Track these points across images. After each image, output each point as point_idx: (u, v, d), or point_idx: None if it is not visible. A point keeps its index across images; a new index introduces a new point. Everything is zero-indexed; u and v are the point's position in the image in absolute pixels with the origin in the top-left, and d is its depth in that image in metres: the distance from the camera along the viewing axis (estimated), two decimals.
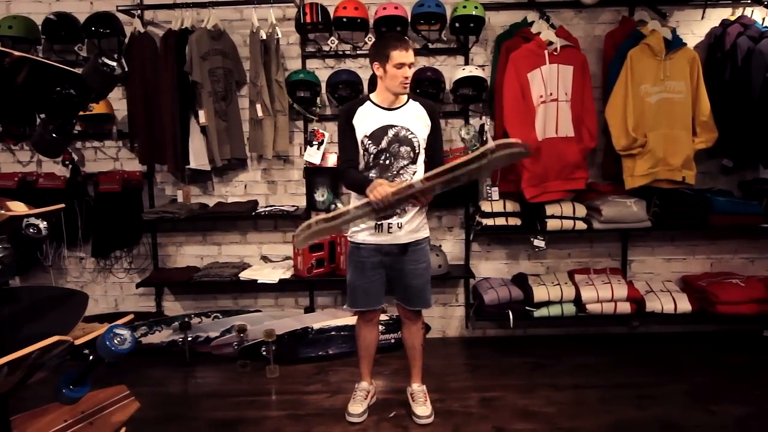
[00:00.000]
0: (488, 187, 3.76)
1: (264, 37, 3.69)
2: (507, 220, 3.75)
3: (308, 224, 2.58)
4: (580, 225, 3.69)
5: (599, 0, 3.64)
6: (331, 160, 3.82)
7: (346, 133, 2.70)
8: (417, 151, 2.68)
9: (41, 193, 3.80)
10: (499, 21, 3.87)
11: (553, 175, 3.60)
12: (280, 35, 3.76)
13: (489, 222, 3.73)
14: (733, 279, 3.76)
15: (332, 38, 3.82)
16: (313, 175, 3.90)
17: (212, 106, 3.73)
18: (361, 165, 2.70)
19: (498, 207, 3.73)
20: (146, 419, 2.68)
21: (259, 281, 3.76)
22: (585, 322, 3.93)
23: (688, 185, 3.64)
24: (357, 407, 2.89)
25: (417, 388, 2.96)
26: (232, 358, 3.62)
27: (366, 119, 2.66)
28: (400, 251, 2.72)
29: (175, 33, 3.70)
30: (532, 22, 3.65)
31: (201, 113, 3.70)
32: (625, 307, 3.68)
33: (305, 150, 3.87)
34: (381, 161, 2.65)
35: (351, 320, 3.59)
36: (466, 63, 3.86)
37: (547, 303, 3.71)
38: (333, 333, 3.71)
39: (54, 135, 1.86)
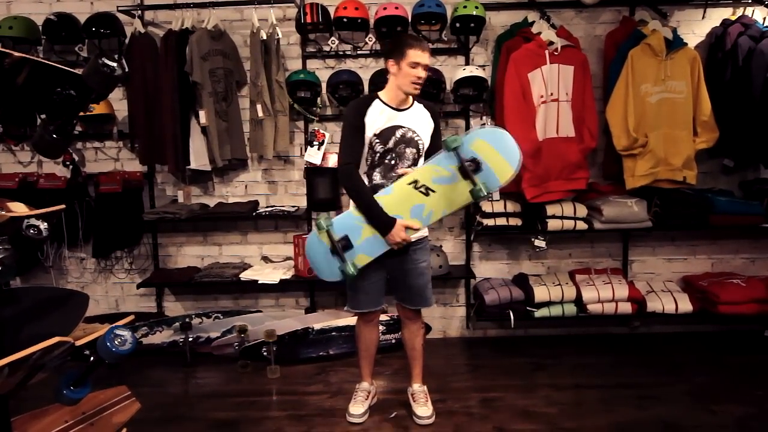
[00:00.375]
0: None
1: (264, 38, 3.69)
2: (508, 221, 3.74)
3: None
4: (581, 225, 3.69)
5: (600, 0, 3.64)
6: (332, 161, 3.82)
7: (356, 130, 2.63)
8: (420, 154, 2.69)
9: (42, 194, 3.81)
10: (499, 21, 3.87)
11: (554, 175, 3.60)
12: (280, 35, 3.76)
13: (490, 222, 3.72)
14: (734, 279, 3.76)
15: (333, 38, 3.82)
16: (314, 175, 3.90)
17: (213, 106, 3.73)
18: (365, 165, 2.69)
19: (499, 207, 3.73)
20: (147, 420, 2.68)
21: (259, 282, 3.76)
22: (586, 322, 3.92)
23: (689, 185, 3.64)
24: (358, 408, 2.89)
25: (418, 388, 2.95)
26: (232, 358, 3.62)
27: (377, 117, 2.64)
28: (402, 251, 2.72)
29: (176, 33, 3.70)
30: (533, 22, 3.65)
31: (201, 113, 3.70)
32: (626, 308, 3.68)
33: (306, 150, 3.87)
34: (386, 161, 2.66)
35: (351, 321, 3.59)
36: (467, 63, 3.86)
37: (548, 303, 3.71)
38: (334, 333, 3.71)
39: (54, 135, 1.86)
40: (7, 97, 1.83)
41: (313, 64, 3.93)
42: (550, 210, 3.65)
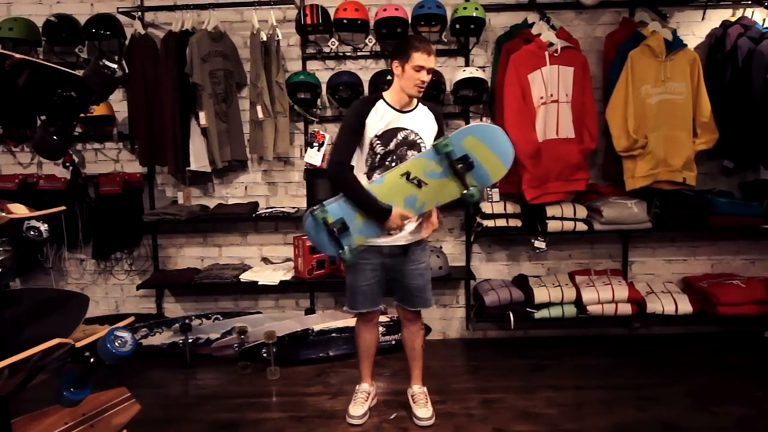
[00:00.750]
0: (488, 189, 3.76)
1: (264, 39, 3.69)
2: (507, 222, 3.75)
3: None
4: (581, 226, 3.69)
5: (600, 1, 3.65)
6: None
7: (354, 131, 2.63)
8: None
9: (42, 195, 3.80)
10: (499, 22, 3.87)
11: (554, 177, 3.60)
12: (280, 37, 3.76)
13: (489, 223, 3.73)
14: (734, 280, 3.76)
15: (333, 40, 3.82)
16: (314, 176, 3.90)
17: (213, 107, 3.73)
18: (365, 166, 2.69)
19: (498, 208, 3.73)
20: (147, 421, 2.68)
21: (259, 283, 3.76)
22: (586, 323, 3.92)
23: (688, 186, 3.64)
24: (358, 409, 2.89)
25: (418, 389, 2.95)
26: (232, 359, 3.62)
27: (379, 119, 2.63)
28: (401, 252, 2.72)
29: (176, 35, 3.70)
30: (533, 23, 3.65)
31: (201, 115, 3.70)
32: (625, 309, 3.68)
33: (306, 151, 3.87)
34: (387, 163, 2.65)
35: (351, 322, 3.58)
36: (467, 64, 3.86)
37: (548, 304, 3.71)
38: (333, 334, 3.71)
39: (55, 137, 1.87)
40: (7, 99, 1.83)
41: (313, 66, 3.93)
42: (550, 211, 3.65)
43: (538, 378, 3.36)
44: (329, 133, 3.84)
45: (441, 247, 3.97)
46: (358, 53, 3.87)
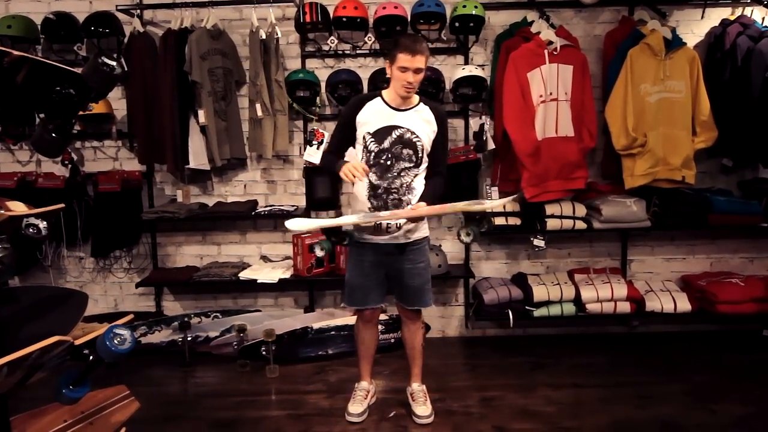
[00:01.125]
0: (488, 187, 3.77)
1: (263, 37, 3.69)
2: (507, 220, 3.75)
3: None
4: (580, 225, 3.69)
5: (599, 0, 3.64)
6: None
7: (344, 126, 2.72)
8: (420, 155, 2.65)
9: (41, 193, 3.80)
10: (498, 20, 3.87)
11: (553, 175, 3.60)
12: (279, 35, 3.76)
13: None
14: (732, 278, 3.77)
15: (332, 38, 3.81)
16: (313, 174, 3.89)
17: (212, 105, 3.72)
18: (361, 161, 2.69)
19: (498, 207, 3.73)
20: (146, 419, 2.67)
21: (258, 281, 3.76)
22: (585, 321, 3.93)
23: (687, 185, 3.64)
24: (357, 407, 2.89)
25: (417, 387, 2.95)
26: (231, 357, 3.62)
27: (373, 116, 2.64)
28: (399, 251, 2.72)
29: (175, 32, 3.69)
30: (532, 21, 3.65)
31: (200, 113, 3.69)
32: (624, 307, 3.68)
33: (305, 150, 3.86)
34: (382, 161, 2.64)
35: (351, 320, 3.59)
36: (466, 62, 3.85)
37: (547, 303, 3.71)
38: (333, 333, 3.71)
39: (53, 135, 1.86)
40: (6, 96, 1.83)
41: (312, 64, 3.93)
42: (549, 209, 3.65)
43: (537, 376, 3.36)
44: (328, 131, 3.83)
45: (440, 246, 3.97)
46: (358, 51, 3.87)
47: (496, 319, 3.80)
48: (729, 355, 3.61)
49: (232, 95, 3.87)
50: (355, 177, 2.54)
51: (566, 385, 3.22)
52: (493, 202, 2.60)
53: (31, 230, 1.63)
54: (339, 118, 2.76)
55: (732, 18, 3.73)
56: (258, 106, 3.70)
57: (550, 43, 3.51)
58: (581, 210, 3.68)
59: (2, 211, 1.60)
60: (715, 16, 3.81)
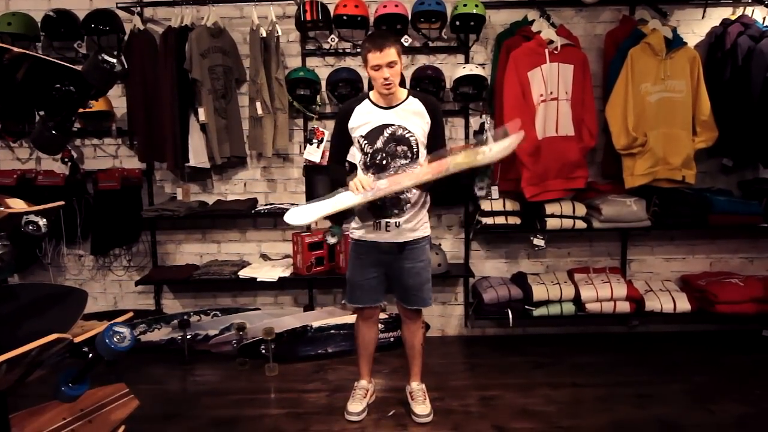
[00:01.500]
0: (488, 186, 3.76)
1: (264, 35, 3.68)
2: (507, 219, 3.74)
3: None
4: (580, 224, 3.69)
5: None
6: None
7: (339, 133, 2.75)
8: (415, 150, 2.65)
9: (40, 191, 3.79)
10: (499, 19, 3.87)
11: (553, 174, 3.60)
12: (280, 33, 3.75)
13: (489, 221, 3.73)
14: (732, 278, 3.77)
15: (332, 36, 3.81)
16: (313, 173, 3.89)
17: (212, 103, 3.72)
18: (361, 166, 2.70)
19: (498, 206, 3.73)
20: (145, 417, 2.67)
21: (258, 279, 3.75)
22: (584, 321, 3.93)
23: (687, 184, 3.64)
24: (356, 406, 2.89)
25: (416, 386, 2.95)
26: (231, 356, 3.62)
27: (363, 119, 2.65)
28: (398, 250, 2.72)
29: (175, 30, 3.69)
30: (533, 20, 3.65)
31: (201, 111, 3.69)
32: (624, 307, 3.68)
33: (305, 148, 3.86)
34: (377, 161, 2.64)
35: (350, 318, 3.58)
36: (467, 61, 3.85)
37: (547, 302, 3.71)
38: (332, 331, 3.71)
39: (53, 132, 1.86)
40: (6, 94, 1.82)
41: (312, 62, 3.92)
42: (549, 209, 3.65)
43: (536, 375, 3.36)
44: (328, 129, 3.83)
45: (440, 245, 3.97)
46: (358, 50, 3.86)
47: (496, 318, 3.80)
48: (728, 355, 3.61)
49: (233, 93, 3.87)
50: (361, 189, 2.53)
51: (566, 385, 3.22)
52: (492, 146, 2.50)
53: (30, 228, 1.62)
54: (334, 127, 2.79)
55: (733, 18, 3.72)
56: (258, 104, 3.69)
57: (551, 42, 3.51)
58: (581, 209, 3.68)
59: (2, 209, 1.60)
60: (716, 15, 3.81)
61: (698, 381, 3.24)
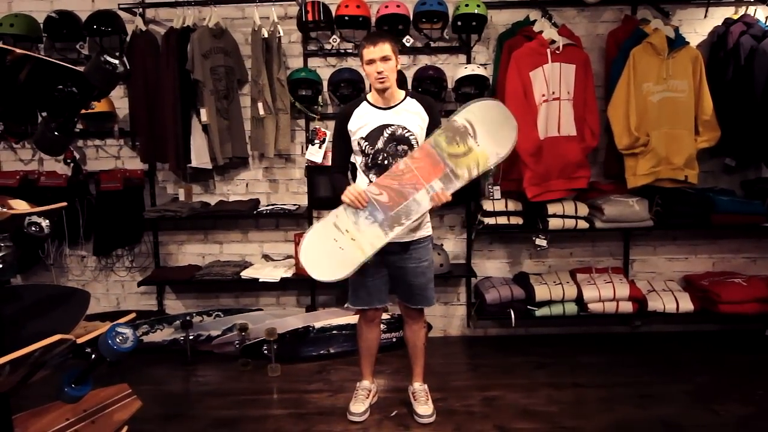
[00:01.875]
0: (490, 186, 3.76)
1: (266, 36, 3.68)
2: (509, 219, 3.74)
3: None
4: (582, 224, 3.69)
5: None
6: None
7: (339, 138, 2.75)
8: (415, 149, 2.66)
9: (43, 192, 3.80)
10: (501, 19, 3.87)
11: (555, 174, 3.59)
12: (281, 33, 3.75)
13: (491, 221, 3.72)
14: (735, 278, 3.76)
15: (334, 36, 3.81)
16: (315, 173, 3.90)
17: (214, 104, 3.72)
18: (362, 165, 2.70)
19: (500, 206, 3.72)
20: (148, 418, 2.68)
21: (260, 280, 3.76)
22: (587, 321, 3.92)
23: (690, 184, 3.63)
24: (358, 406, 2.89)
25: (418, 387, 2.95)
26: (233, 356, 3.62)
27: (362, 121, 2.66)
28: (402, 249, 2.72)
29: (177, 31, 3.69)
30: (535, 20, 3.65)
31: (203, 111, 3.70)
32: (627, 307, 3.68)
33: (307, 148, 3.86)
34: (379, 161, 2.65)
35: (352, 319, 3.58)
36: (468, 61, 3.85)
37: (549, 302, 3.71)
38: (334, 332, 3.71)
39: (56, 133, 1.86)
40: (8, 95, 1.83)
41: (314, 62, 3.92)
42: (551, 209, 3.65)
43: (538, 376, 3.36)
44: (330, 130, 3.82)
45: (442, 245, 3.97)
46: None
47: (498, 318, 3.80)
48: (731, 355, 3.60)
49: (234, 94, 3.87)
50: (358, 202, 2.59)
51: (568, 385, 3.22)
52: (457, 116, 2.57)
53: (33, 229, 1.63)
54: (333, 132, 2.79)
55: (735, 17, 3.71)
56: (260, 104, 3.70)
57: (553, 42, 3.50)
58: (583, 209, 3.68)
59: (5, 210, 1.60)
60: (718, 15, 3.80)
61: (701, 381, 3.23)
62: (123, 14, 3.82)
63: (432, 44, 3.82)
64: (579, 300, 3.70)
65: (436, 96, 3.64)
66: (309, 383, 3.33)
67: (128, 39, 3.81)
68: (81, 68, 1.85)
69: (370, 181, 2.67)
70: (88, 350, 1.70)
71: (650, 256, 4.05)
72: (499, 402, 3.04)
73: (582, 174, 3.64)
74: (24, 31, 3.71)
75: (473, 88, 3.69)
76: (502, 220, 3.73)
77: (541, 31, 3.53)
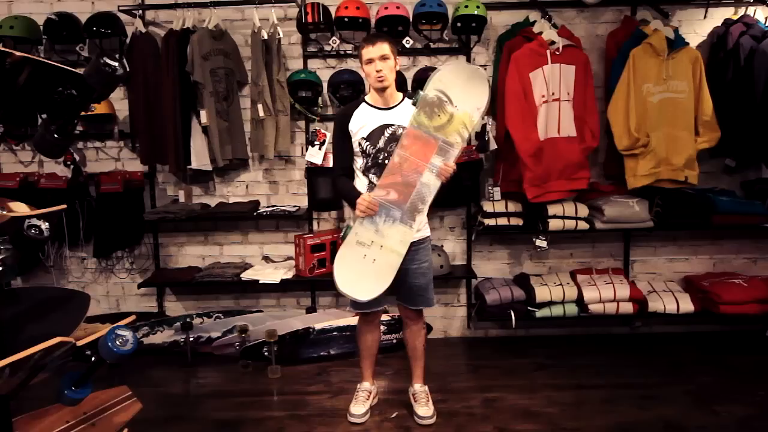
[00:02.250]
0: (490, 187, 3.76)
1: (265, 37, 3.68)
2: (509, 220, 3.74)
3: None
4: (582, 225, 3.68)
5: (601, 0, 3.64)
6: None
7: (340, 140, 2.74)
8: None
9: (43, 194, 3.80)
10: (500, 20, 3.87)
11: (555, 175, 3.59)
12: (281, 35, 3.75)
13: (491, 222, 3.72)
14: (735, 279, 3.76)
15: (334, 38, 3.81)
16: (315, 175, 3.89)
17: (214, 106, 3.72)
18: (361, 166, 2.71)
19: (500, 207, 3.72)
20: (148, 420, 2.68)
21: (260, 281, 3.76)
22: (587, 322, 3.92)
23: (690, 185, 3.63)
24: (359, 408, 2.89)
25: (419, 388, 2.95)
26: (233, 358, 3.62)
27: (362, 122, 2.67)
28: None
29: (177, 33, 3.70)
30: (534, 21, 3.65)
31: (202, 113, 3.70)
32: (627, 308, 3.68)
33: (307, 150, 3.86)
34: (380, 161, 2.65)
35: (353, 320, 3.58)
36: (468, 63, 3.85)
37: (549, 303, 3.70)
38: (335, 333, 3.71)
39: (55, 135, 1.86)
40: (8, 97, 1.82)
41: (314, 64, 3.92)
42: (552, 210, 3.65)
43: (539, 377, 3.36)
44: (330, 131, 3.82)
45: (442, 246, 3.96)
46: None
47: (499, 319, 3.80)
48: (732, 355, 3.60)
49: (234, 96, 3.87)
50: (370, 210, 2.60)
51: (569, 386, 3.22)
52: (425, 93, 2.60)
53: (33, 231, 1.62)
54: (333, 135, 2.79)
55: (735, 18, 3.72)
56: (260, 106, 3.70)
57: (553, 43, 3.50)
58: (583, 210, 3.68)
59: (4, 212, 1.60)
60: (718, 15, 3.80)
61: (702, 382, 3.23)
62: (123, 16, 3.83)
63: (432, 45, 3.82)
64: (579, 301, 3.69)
65: None
66: (309, 385, 3.33)
67: (128, 41, 3.81)
68: (80, 70, 1.85)
69: (370, 182, 2.67)
70: (88, 353, 1.69)
71: (650, 257, 4.05)
72: (500, 403, 3.04)
73: (582, 175, 3.64)
74: (24, 33, 3.71)
75: None
76: (502, 221, 3.73)
77: (541, 32, 3.53)
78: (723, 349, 3.69)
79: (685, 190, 3.69)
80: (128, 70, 1.83)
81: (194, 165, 3.80)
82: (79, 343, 1.67)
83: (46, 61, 1.83)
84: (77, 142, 4.02)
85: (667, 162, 3.55)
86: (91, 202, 3.92)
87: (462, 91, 2.62)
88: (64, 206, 1.81)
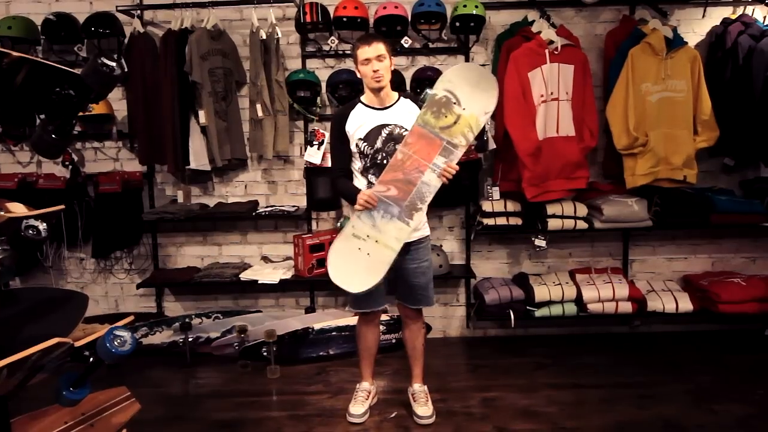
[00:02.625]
0: (489, 187, 3.76)
1: (264, 37, 3.68)
2: (508, 220, 3.74)
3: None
4: (581, 224, 3.69)
5: None
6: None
7: (338, 141, 2.74)
8: None
9: (41, 194, 3.80)
10: (499, 20, 3.87)
11: (554, 175, 3.59)
12: (280, 35, 3.75)
13: (490, 222, 3.72)
14: (734, 278, 3.76)
15: (332, 38, 3.81)
16: (314, 175, 3.89)
17: (212, 106, 3.72)
18: (359, 167, 2.71)
19: (499, 206, 3.72)
20: (147, 420, 2.67)
21: (259, 282, 3.75)
22: (586, 321, 3.92)
23: (689, 184, 3.63)
24: (358, 407, 2.88)
25: (418, 388, 2.95)
26: (232, 358, 3.62)
27: (359, 122, 2.67)
28: (403, 250, 2.71)
29: (175, 33, 3.69)
30: (533, 21, 3.65)
31: (201, 113, 3.69)
32: (626, 307, 3.68)
33: (305, 150, 3.86)
34: (378, 161, 2.66)
35: (352, 320, 3.58)
36: (467, 62, 3.84)
37: (548, 303, 3.70)
38: (334, 333, 3.71)
39: (54, 135, 1.86)
40: (5, 97, 1.82)
41: (312, 64, 3.92)
42: (551, 209, 3.65)
43: (538, 376, 3.36)
44: (329, 131, 3.82)
45: (441, 246, 3.96)
46: None
47: (498, 319, 3.79)
48: (731, 355, 3.60)
49: (233, 95, 3.87)
50: (369, 204, 2.60)
51: (568, 386, 3.22)
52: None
53: (30, 232, 1.62)
54: (330, 137, 2.80)
55: (733, 17, 3.72)
56: (258, 106, 3.69)
57: (551, 42, 3.50)
58: (582, 210, 3.68)
59: (2, 213, 1.60)
60: (717, 15, 3.80)
61: (701, 381, 3.23)
62: (121, 16, 3.82)
63: (430, 45, 3.82)
64: (578, 300, 3.70)
65: None
66: (308, 385, 3.33)
67: (126, 41, 3.80)
68: (78, 71, 1.85)
69: (369, 182, 2.68)
70: (87, 353, 1.69)
71: (649, 256, 4.05)
72: (499, 403, 3.04)
73: (581, 174, 3.64)
74: (22, 33, 3.71)
75: None
76: (501, 220, 3.73)
77: (540, 32, 3.53)
78: (722, 349, 3.69)
79: (683, 190, 3.70)
80: (126, 70, 1.83)
81: (193, 165, 3.79)
82: (78, 343, 1.67)
83: (43, 61, 1.83)
84: (75, 143, 4.02)
85: (665, 161, 3.55)
86: (90, 202, 3.92)
87: (471, 93, 2.60)
88: (62, 207, 1.82)
